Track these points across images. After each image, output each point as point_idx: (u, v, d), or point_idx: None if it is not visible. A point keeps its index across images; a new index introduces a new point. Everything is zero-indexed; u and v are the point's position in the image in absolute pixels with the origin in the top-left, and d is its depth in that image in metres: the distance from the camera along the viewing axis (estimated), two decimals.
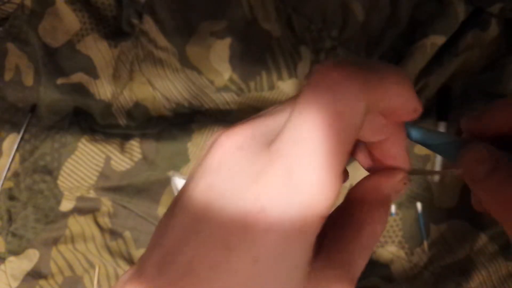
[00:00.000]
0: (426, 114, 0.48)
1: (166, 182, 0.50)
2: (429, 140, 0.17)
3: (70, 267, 0.49)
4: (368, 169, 0.17)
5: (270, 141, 0.14)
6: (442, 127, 0.47)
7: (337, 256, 0.15)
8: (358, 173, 0.20)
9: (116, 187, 0.49)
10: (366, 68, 0.13)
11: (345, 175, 0.16)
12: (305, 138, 0.13)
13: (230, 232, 0.13)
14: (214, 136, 0.16)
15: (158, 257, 0.14)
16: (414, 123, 0.18)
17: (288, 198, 0.13)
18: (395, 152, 0.16)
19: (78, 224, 0.50)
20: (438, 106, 0.48)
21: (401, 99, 0.14)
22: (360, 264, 0.15)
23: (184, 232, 0.14)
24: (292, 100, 0.15)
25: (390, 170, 0.17)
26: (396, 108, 0.15)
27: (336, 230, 0.16)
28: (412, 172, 0.17)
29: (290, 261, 0.13)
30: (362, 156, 0.17)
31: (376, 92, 0.13)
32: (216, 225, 0.13)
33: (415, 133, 0.18)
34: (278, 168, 0.13)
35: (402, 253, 0.48)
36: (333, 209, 0.16)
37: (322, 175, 0.13)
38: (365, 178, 0.17)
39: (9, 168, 0.50)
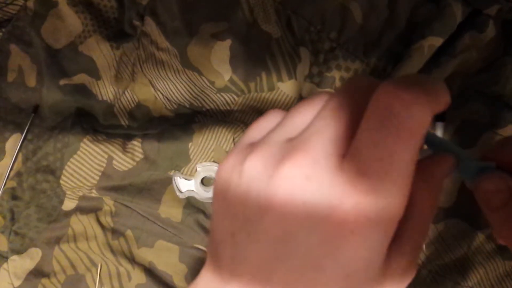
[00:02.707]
0: None
1: (168, 182, 0.50)
2: (451, 148, 0.18)
3: (73, 265, 0.50)
4: None
5: (338, 161, 0.14)
6: (439, 128, 0.48)
7: (407, 244, 0.16)
8: None
9: (118, 186, 0.50)
10: (423, 84, 0.15)
11: None
12: (387, 157, 0.14)
13: (319, 254, 0.14)
14: (263, 161, 0.15)
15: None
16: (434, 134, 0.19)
17: (377, 212, 0.14)
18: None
19: (81, 223, 0.50)
20: None
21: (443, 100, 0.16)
22: (421, 248, 0.17)
23: (264, 262, 0.15)
24: (335, 113, 0.15)
25: (442, 156, 0.18)
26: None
27: (401, 219, 0.16)
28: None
29: (372, 263, 0.14)
30: None
31: (436, 102, 0.15)
32: (302, 252, 0.14)
33: (436, 142, 0.19)
34: (362, 189, 0.14)
35: None
36: None
37: (405, 186, 0.14)
38: (419, 165, 0.17)
39: (12, 168, 0.50)
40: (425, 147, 0.19)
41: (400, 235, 0.16)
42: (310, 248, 0.14)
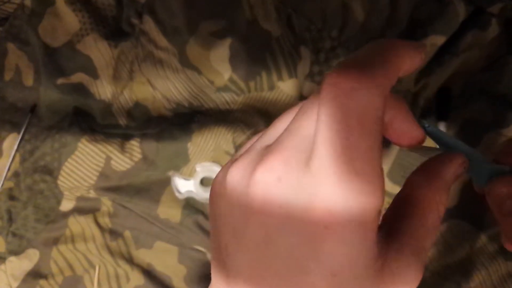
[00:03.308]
0: (426, 114, 0.48)
1: (166, 182, 0.49)
2: (461, 148, 0.18)
3: (70, 267, 0.49)
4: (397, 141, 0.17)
5: (306, 160, 0.14)
6: (442, 127, 0.47)
7: (408, 245, 0.16)
8: None
9: (116, 187, 0.49)
10: (369, 62, 0.14)
11: None
12: (344, 148, 0.13)
13: (298, 257, 0.14)
14: (241, 169, 0.15)
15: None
16: (445, 134, 0.18)
17: (347, 205, 0.13)
18: (407, 126, 0.17)
19: (78, 224, 0.49)
20: (438, 106, 0.48)
21: (409, 59, 0.15)
22: (428, 248, 0.16)
23: (253, 269, 0.15)
24: (303, 115, 0.15)
25: (449, 155, 0.17)
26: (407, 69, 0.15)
27: (402, 219, 0.16)
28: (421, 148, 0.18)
29: (358, 260, 0.14)
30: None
31: (386, 77, 0.14)
32: (285, 255, 0.14)
33: (446, 142, 0.18)
34: (328, 184, 0.13)
35: None
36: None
37: (372, 175, 0.13)
38: (424, 165, 0.17)
39: (9, 168, 0.50)
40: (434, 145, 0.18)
41: (401, 235, 0.16)
42: (292, 249, 0.14)
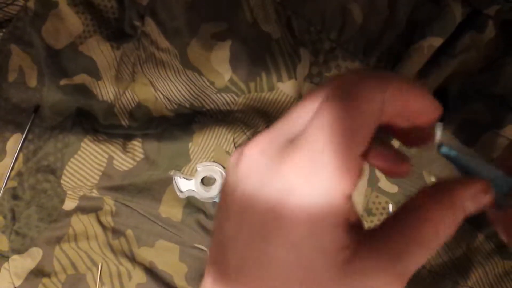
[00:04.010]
0: None
1: (168, 182, 0.50)
2: (481, 171, 0.17)
3: (73, 265, 0.50)
4: (382, 170, 0.17)
5: (292, 140, 0.15)
6: (439, 128, 0.47)
7: (385, 247, 0.15)
8: None
9: (119, 186, 0.50)
10: (378, 73, 0.16)
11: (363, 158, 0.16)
12: (327, 130, 0.14)
13: (265, 224, 0.15)
14: (237, 150, 0.17)
15: (220, 257, 0.16)
16: (462, 150, 0.18)
17: (312, 180, 0.14)
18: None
19: (81, 223, 0.50)
20: None
21: (419, 101, 0.16)
22: (413, 261, 0.14)
23: (232, 237, 0.16)
24: (308, 102, 0.16)
25: (470, 178, 0.16)
26: (419, 111, 0.16)
27: (394, 223, 0.16)
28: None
29: (321, 243, 0.14)
30: (376, 158, 0.17)
31: (390, 87, 0.15)
32: (254, 222, 0.15)
33: (464, 161, 0.17)
34: (300, 157, 0.14)
35: None
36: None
37: (342, 159, 0.14)
38: (441, 181, 0.16)
39: (12, 168, 0.50)
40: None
41: (383, 238, 0.15)
42: (260, 217, 0.15)
